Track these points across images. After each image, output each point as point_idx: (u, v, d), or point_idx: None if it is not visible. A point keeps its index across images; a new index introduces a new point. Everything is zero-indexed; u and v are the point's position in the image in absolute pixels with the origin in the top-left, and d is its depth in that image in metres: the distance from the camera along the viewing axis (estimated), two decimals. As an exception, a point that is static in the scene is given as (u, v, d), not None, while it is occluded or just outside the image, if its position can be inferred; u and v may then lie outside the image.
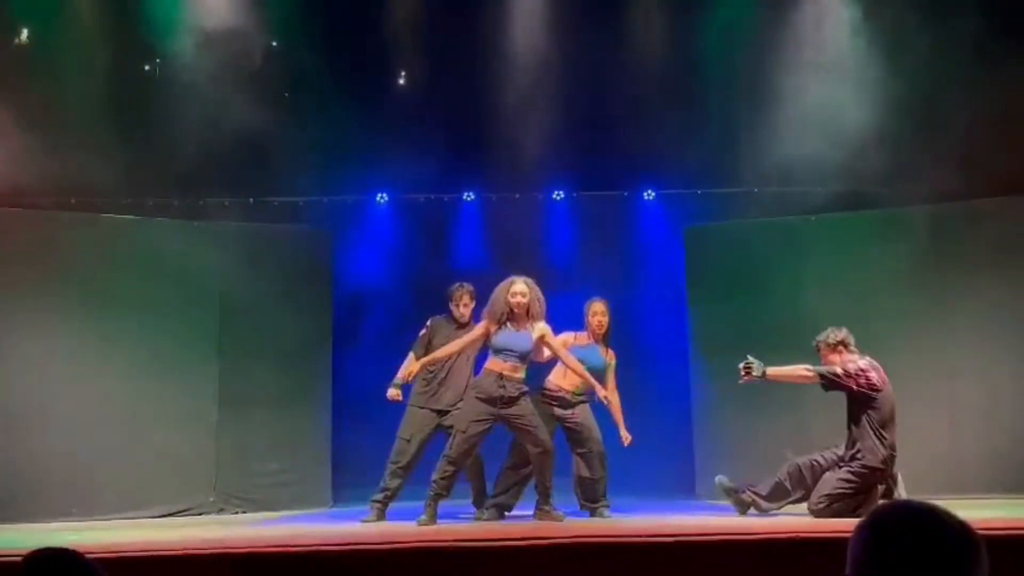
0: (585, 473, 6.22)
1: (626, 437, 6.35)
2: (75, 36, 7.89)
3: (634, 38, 8.51)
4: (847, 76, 7.96)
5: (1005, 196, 7.49)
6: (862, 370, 5.79)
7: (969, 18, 7.44)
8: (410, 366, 6.27)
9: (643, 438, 8.41)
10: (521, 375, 5.89)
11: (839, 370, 5.80)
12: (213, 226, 8.01)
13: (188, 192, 8.49)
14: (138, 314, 7.38)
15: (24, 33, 8.01)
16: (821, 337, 6.03)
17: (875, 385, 5.78)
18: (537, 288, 5.96)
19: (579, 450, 6.27)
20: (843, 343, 5.95)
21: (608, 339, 6.49)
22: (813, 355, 6.15)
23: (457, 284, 6.63)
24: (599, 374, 6.24)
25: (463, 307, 6.52)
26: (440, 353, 6.07)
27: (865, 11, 8.08)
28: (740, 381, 6.01)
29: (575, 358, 6.07)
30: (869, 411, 5.79)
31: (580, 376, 6.09)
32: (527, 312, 5.86)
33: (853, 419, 5.85)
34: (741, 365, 5.96)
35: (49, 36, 7.97)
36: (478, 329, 5.98)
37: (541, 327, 5.94)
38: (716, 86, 8.49)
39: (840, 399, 6.00)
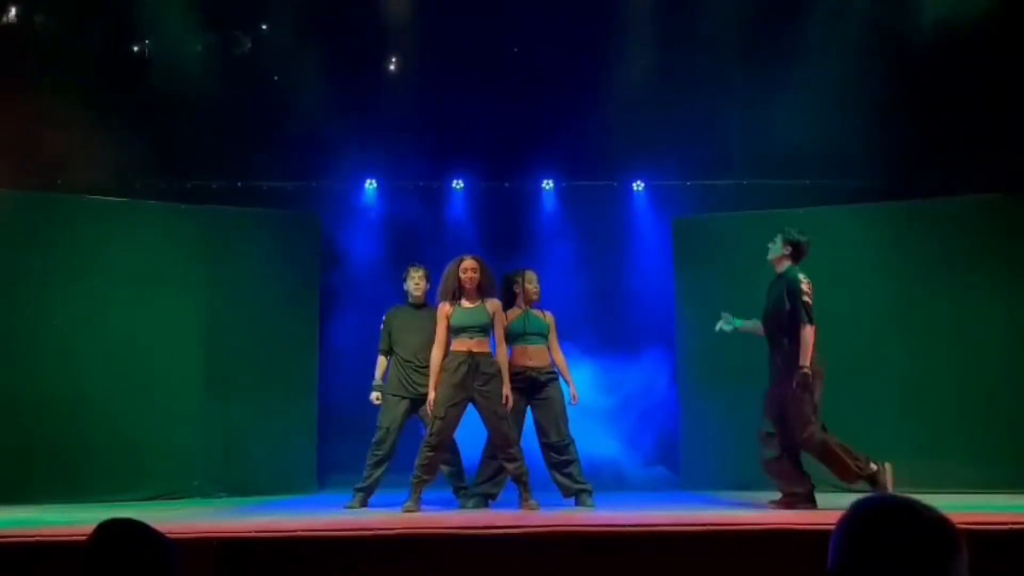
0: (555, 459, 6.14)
1: (575, 396, 6.29)
2: (63, 15, 7.83)
3: (625, 29, 8.50)
4: (838, 69, 7.97)
5: (991, 193, 7.53)
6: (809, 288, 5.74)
7: (965, 17, 7.48)
8: (382, 366, 6.42)
9: (628, 428, 8.49)
10: (488, 349, 5.86)
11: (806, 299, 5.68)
12: (200, 209, 7.96)
13: (175, 175, 8.45)
14: (124, 297, 7.36)
15: (11, 12, 7.93)
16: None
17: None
18: (488, 268, 5.94)
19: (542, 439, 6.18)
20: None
21: (539, 303, 6.39)
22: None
23: (413, 262, 6.61)
24: (542, 335, 6.21)
25: (417, 280, 6.45)
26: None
27: (860, 6, 8.09)
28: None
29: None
30: (794, 328, 5.64)
31: (502, 362, 5.92)
32: (478, 287, 5.86)
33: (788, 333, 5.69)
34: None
35: (36, 15, 7.91)
36: (440, 314, 5.91)
37: (495, 303, 5.94)
38: (707, 78, 8.50)
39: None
